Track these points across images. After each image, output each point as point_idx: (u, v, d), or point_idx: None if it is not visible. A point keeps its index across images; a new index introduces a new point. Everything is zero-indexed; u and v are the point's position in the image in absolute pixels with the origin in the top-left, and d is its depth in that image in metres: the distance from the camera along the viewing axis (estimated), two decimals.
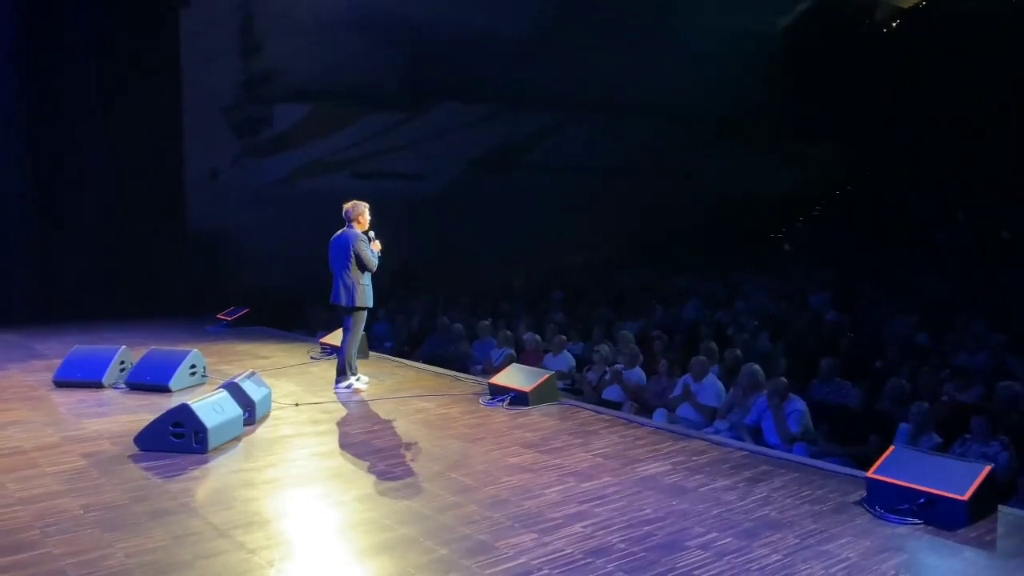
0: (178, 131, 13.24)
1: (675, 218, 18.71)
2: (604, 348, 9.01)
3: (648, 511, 4.38)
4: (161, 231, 12.65)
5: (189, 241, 13.19)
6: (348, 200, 7.24)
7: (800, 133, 19.94)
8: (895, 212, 19.06)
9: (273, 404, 6.62)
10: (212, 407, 5.53)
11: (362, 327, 7.34)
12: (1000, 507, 4.41)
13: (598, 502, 4.51)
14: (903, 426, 6.41)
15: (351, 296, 7.08)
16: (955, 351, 9.29)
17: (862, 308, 12.34)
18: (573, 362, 9.31)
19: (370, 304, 7.22)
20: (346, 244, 7.06)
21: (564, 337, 9.78)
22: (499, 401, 6.85)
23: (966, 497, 4.15)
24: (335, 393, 7.25)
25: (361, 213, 7.17)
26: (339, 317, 7.50)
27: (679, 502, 4.54)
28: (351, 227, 7.13)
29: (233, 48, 14.40)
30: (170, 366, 7.30)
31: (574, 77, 16.86)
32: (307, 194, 14.84)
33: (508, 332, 10.18)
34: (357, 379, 7.36)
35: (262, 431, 6.00)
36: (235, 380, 6.16)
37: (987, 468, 4.33)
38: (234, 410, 5.74)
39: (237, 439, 5.68)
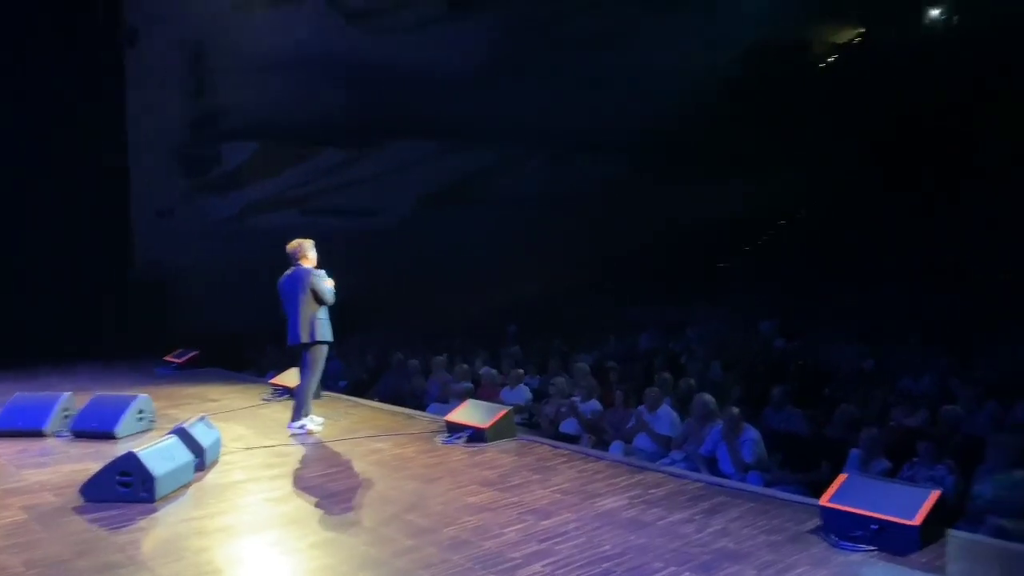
0: (124, 170, 13.04)
1: (625, 249, 18.94)
2: (560, 381, 9.03)
3: (607, 547, 4.38)
4: (107, 272, 12.39)
5: (136, 282, 12.92)
6: (292, 239, 7.19)
7: (745, 164, 20.41)
8: (837, 239, 19.56)
9: (224, 448, 6.48)
10: (160, 454, 5.39)
11: (322, 363, 7.21)
12: (949, 531, 4.50)
13: (558, 539, 4.49)
14: (853, 452, 6.51)
15: (311, 331, 6.97)
16: (900, 375, 9.52)
17: (809, 335, 12.60)
18: (530, 395, 9.31)
19: (329, 338, 7.11)
20: (297, 282, 6.97)
21: (521, 371, 9.78)
22: (456, 439, 6.80)
23: (917, 522, 4.23)
24: (289, 432, 7.13)
25: (307, 251, 7.11)
26: (298, 356, 7.38)
27: (638, 536, 4.54)
28: (300, 265, 7.06)
29: (181, 87, 14.27)
30: (116, 412, 7.10)
31: (522, 112, 17.07)
32: (257, 232, 14.68)
33: (465, 366, 10.14)
34: (311, 420, 7.25)
35: (213, 477, 5.86)
36: (184, 425, 6.02)
37: (936, 493, 4.42)
38: (184, 456, 5.61)
39: (187, 486, 5.53)
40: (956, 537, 4.48)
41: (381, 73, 15.97)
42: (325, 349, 7.17)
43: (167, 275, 13.30)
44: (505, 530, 4.65)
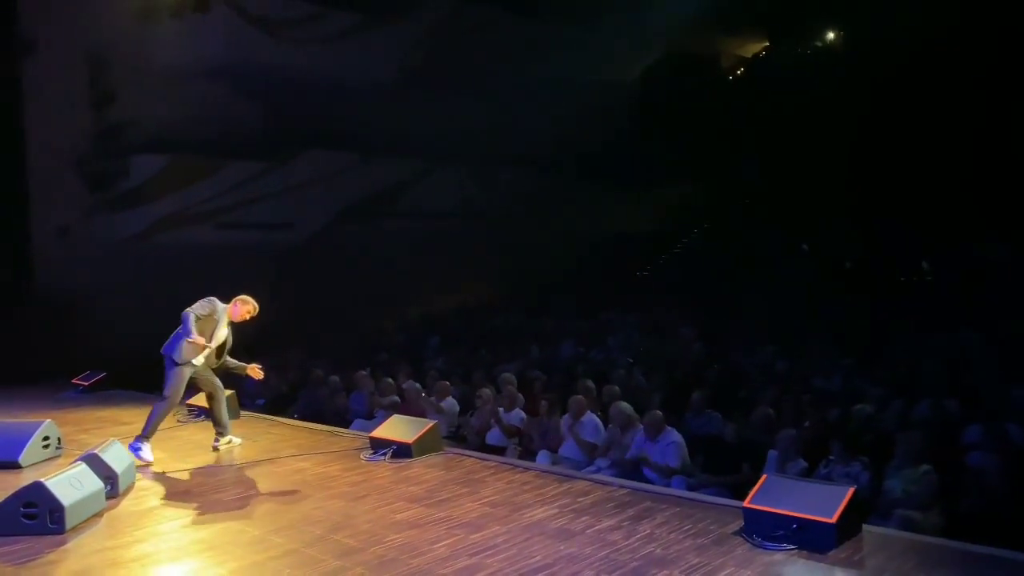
0: (23, 186, 12.44)
1: (542, 260, 19.13)
2: (486, 392, 9.00)
3: (538, 558, 4.38)
4: (6, 292, 11.77)
5: (38, 302, 12.31)
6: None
7: (657, 175, 20.89)
8: (746, 247, 20.20)
9: (138, 474, 6.22)
10: (69, 482, 5.13)
11: (178, 386, 6.87)
12: (864, 526, 4.68)
13: (488, 553, 4.47)
14: (771, 453, 6.71)
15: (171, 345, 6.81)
16: (811, 376, 9.86)
17: (725, 339, 12.93)
18: (457, 408, 9.26)
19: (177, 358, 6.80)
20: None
21: (447, 383, 9.72)
22: (381, 455, 6.71)
23: (834, 520, 4.38)
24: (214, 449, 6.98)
25: (243, 305, 6.98)
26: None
27: (567, 546, 4.56)
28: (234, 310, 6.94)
29: (83, 98, 13.69)
30: (19, 439, 6.72)
31: (437, 125, 17.02)
32: (167, 248, 14.20)
33: (389, 380, 10.02)
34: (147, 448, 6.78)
35: (127, 504, 5.61)
36: (94, 451, 5.74)
37: (851, 490, 4.59)
38: (94, 483, 5.34)
39: (99, 515, 5.28)
40: (871, 532, 4.66)
41: (295, 84, 15.69)
42: (182, 370, 6.85)
43: (72, 294, 12.70)
44: (434, 546, 4.60)
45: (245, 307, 6.98)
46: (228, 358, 7.18)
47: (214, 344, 6.90)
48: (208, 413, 7.47)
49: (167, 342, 6.79)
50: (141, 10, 13.39)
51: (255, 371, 7.23)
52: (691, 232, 24.34)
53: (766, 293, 16.21)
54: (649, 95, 21.21)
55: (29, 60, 12.56)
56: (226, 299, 7.02)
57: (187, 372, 6.82)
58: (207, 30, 14.52)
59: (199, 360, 6.85)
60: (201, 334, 6.69)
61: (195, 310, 6.71)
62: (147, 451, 6.65)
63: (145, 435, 6.69)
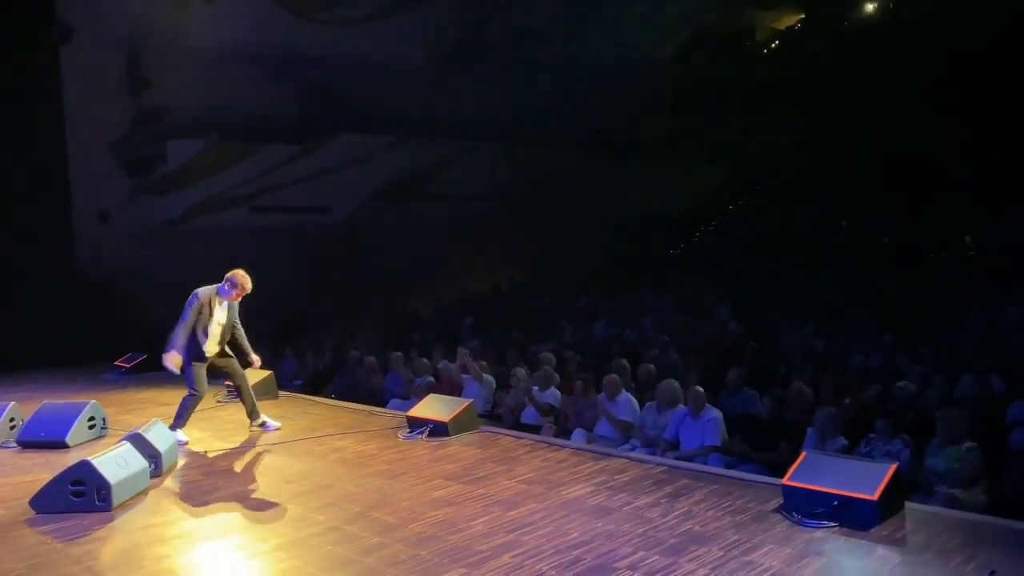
0: (64, 172, 12.65)
1: (575, 240, 19.06)
2: (521, 371, 9.01)
3: (575, 535, 4.39)
4: (49, 276, 12.01)
5: (80, 285, 12.55)
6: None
7: (691, 153, 20.65)
8: (783, 223, 19.93)
9: (181, 452, 6.34)
10: (115, 461, 5.24)
11: (199, 381, 6.94)
12: (907, 503, 4.62)
13: (525, 530, 4.49)
14: (810, 431, 6.64)
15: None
16: (850, 354, 9.73)
17: (762, 318, 12.80)
18: (494, 384, 9.28)
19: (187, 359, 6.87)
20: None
21: (484, 363, 9.74)
22: (418, 434, 6.76)
23: (876, 497, 4.33)
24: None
25: (233, 283, 6.87)
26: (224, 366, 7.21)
27: (604, 523, 4.56)
28: (220, 290, 6.87)
29: (121, 84, 13.86)
30: (66, 420, 6.89)
31: (470, 106, 16.99)
32: (204, 231, 14.36)
33: (424, 361, 10.08)
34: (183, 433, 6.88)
35: (170, 483, 5.73)
36: (138, 431, 5.86)
37: (893, 467, 4.53)
38: (139, 462, 5.46)
39: (144, 493, 5.39)
40: (914, 509, 4.60)
41: (327, 67, 15.73)
42: (191, 368, 6.89)
43: (113, 278, 12.93)
44: (472, 523, 4.63)
45: (236, 289, 6.87)
46: (239, 336, 7.13)
47: (215, 330, 6.91)
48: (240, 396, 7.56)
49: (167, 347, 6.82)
50: None
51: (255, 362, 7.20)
52: (726, 210, 24.08)
53: (803, 270, 16.01)
54: (682, 72, 20.94)
55: (67, 46, 12.72)
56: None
57: (203, 366, 6.92)
58: (240, 14, 14.59)
59: (210, 349, 6.89)
60: (204, 328, 6.81)
61: (189, 318, 6.74)
62: (181, 434, 6.77)
63: (176, 427, 6.80)
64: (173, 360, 6.69)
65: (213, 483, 5.70)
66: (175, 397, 8.76)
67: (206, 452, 6.53)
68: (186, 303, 6.82)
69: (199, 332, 6.82)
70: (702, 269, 18.50)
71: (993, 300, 12.11)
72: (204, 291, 6.86)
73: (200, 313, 6.81)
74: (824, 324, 11.66)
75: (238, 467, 6.13)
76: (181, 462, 6.20)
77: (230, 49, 14.37)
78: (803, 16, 24.31)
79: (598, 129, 18.84)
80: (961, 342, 9.76)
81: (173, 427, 6.72)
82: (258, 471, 6.02)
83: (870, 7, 23.05)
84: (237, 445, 6.79)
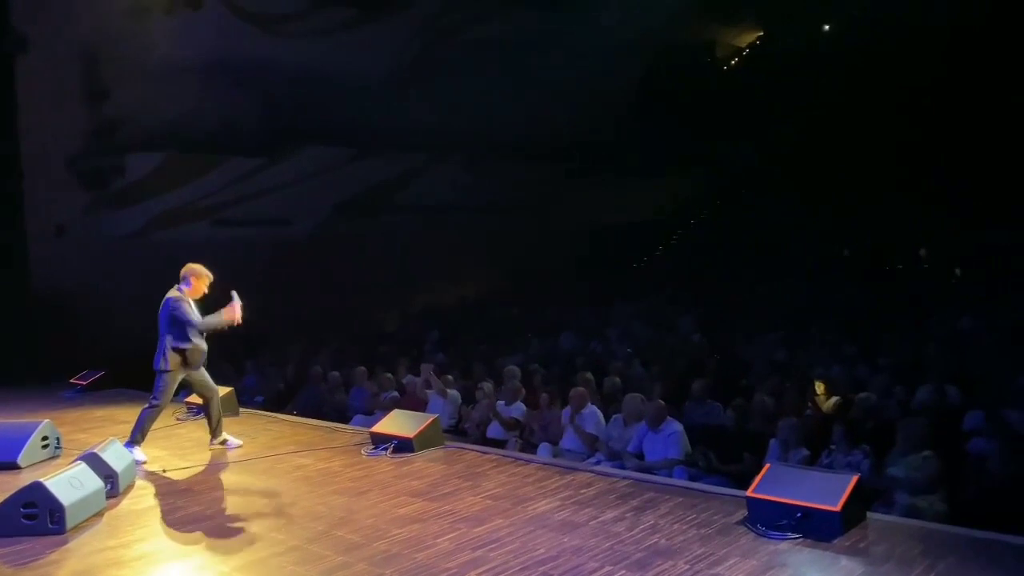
0: (18, 185, 12.37)
1: (542, 252, 19.10)
2: (487, 385, 8.98)
3: (542, 551, 4.36)
4: (4, 292, 11.71)
5: (35, 301, 12.25)
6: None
7: (654, 165, 20.85)
8: (746, 235, 20.19)
9: (138, 472, 6.20)
10: (69, 482, 5.10)
11: (167, 393, 6.80)
12: (868, 514, 4.67)
13: (492, 546, 4.45)
14: (773, 442, 6.70)
15: (163, 359, 6.67)
16: (812, 365, 9.85)
17: (725, 329, 12.92)
18: (459, 400, 9.23)
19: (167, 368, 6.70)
20: (163, 309, 6.67)
21: (450, 377, 9.70)
22: (382, 450, 6.69)
23: (838, 508, 4.37)
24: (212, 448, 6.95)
25: (191, 277, 6.74)
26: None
27: (571, 538, 4.54)
28: (179, 290, 6.72)
29: (78, 96, 13.58)
30: (18, 440, 6.68)
31: (434, 118, 16.96)
32: (164, 245, 14.10)
33: (389, 375, 10.00)
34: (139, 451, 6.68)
35: (127, 503, 5.59)
36: (94, 450, 5.72)
37: (855, 478, 4.58)
38: (94, 483, 5.32)
39: (99, 515, 5.25)
40: (875, 520, 4.65)
41: (290, 80, 15.59)
42: (167, 377, 6.73)
43: (69, 293, 12.64)
44: (437, 540, 4.58)
45: (200, 281, 6.76)
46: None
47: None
48: (205, 412, 7.44)
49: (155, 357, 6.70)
50: (134, 6, 13.28)
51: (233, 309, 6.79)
52: (688, 222, 24.33)
53: (766, 281, 16.21)
54: (646, 86, 21.15)
55: (22, 56, 12.45)
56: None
57: (177, 378, 6.79)
58: (201, 26, 14.40)
59: (202, 347, 6.77)
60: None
61: (194, 319, 6.62)
62: (139, 453, 6.61)
63: (134, 440, 6.65)
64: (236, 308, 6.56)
65: (172, 503, 5.57)
66: (133, 415, 8.55)
67: (164, 471, 6.39)
68: (170, 312, 6.60)
69: (191, 335, 6.68)
70: (666, 280, 18.67)
71: (948, 310, 12.36)
72: (174, 295, 6.70)
73: (191, 308, 6.68)
74: (787, 335, 11.80)
75: (197, 486, 6.00)
76: (138, 482, 6.05)
77: (191, 61, 14.17)
78: (761, 33, 24.74)
79: (561, 141, 18.94)
80: (919, 352, 9.93)
81: (130, 442, 6.57)
82: (218, 490, 5.91)
83: (827, 26, 23.52)
84: (196, 464, 6.65)
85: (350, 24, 16.56)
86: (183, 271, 6.82)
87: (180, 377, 6.84)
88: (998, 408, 7.09)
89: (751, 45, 24.93)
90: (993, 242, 15.43)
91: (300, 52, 15.82)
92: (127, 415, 8.76)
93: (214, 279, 6.86)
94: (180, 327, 6.64)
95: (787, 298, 14.86)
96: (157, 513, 5.36)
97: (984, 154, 17.02)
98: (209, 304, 6.88)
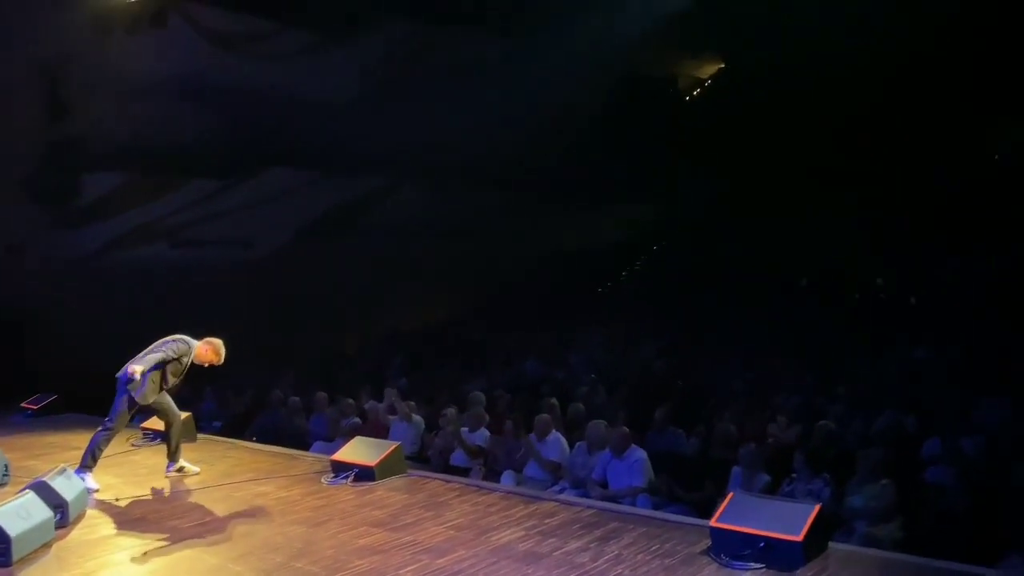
0: None
1: (505, 277, 19.11)
2: (451, 411, 8.91)
3: None
4: None
5: None
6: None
7: (617, 192, 21.06)
8: (707, 263, 20.43)
9: (90, 501, 6.02)
10: (16, 512, 4.92)
11: (123, 416, 6.70)
12: (830, 544, 4.70)
13: None
14: (735, 469, 6.73)
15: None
16: (773, 392, 9.94)
17: (687, 355, 13.01)
18: (422, 427, 9.14)
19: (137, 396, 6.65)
20: (166, 342, 6.66)
21: (412, 403, 9.60)
22: (343, 478, 6.58)
23: (800, 538, 4.39)
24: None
25: (210, 350, 6.72)
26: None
27: (535, 570, 4.50)
28: (189, 344, 6.69)
29: (35, 112, 13.33)
30: None
31: (399, 140, 16.94)
32: (123, 266, 13.84)
33: (350, 401, 9.88)
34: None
35: (77, 534, 5.42)
36: (43, 478, 5.54)
37: (816, 508, 4.61)
38: (43, 512, 5.14)
39: (48, 546, 5.08)
40: (836, 549, 4.68)
41: (254, 101, 15.46)
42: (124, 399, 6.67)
43: (21, 315, 12.32)
44: (399, 572, 4.51)
45: (210, 355, 6.73)
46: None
47: (175, 381, 6.76)
48: (164, 437, 7.28)
49: (124, 368, 6.59)
50: (96, 24, 13.10)
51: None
52: (651, 249, 24.56)
53: (728, 309, 16.37)
54: (609, 113, 21.40)
55: None
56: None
57: (136, 407, 6.67)
58: (164, 46, 14.25)
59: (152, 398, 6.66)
60: (173, 375, 6.65)
61: (167, 352, 6.55)
62: (91, 480, 6.42)
63: (86, 466, 6.47)
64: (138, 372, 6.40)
65: (124, 533, 5.42)
66: (86, 441, 8.36)
67: (117, 500, 6.22)
68: (176, 340, 6.61)
69: (167, 373, 6.61)
70: (629, 307, 18.77)
71: (906, 341, 12.58)
72: (183, 341, 6.66)
73: (178, 362, 6.62)
74: (749, 362, 11.92)
75: (151, 515, 5.84)
76: (90, 511, 5.88)
77: (153, 80, 13.98)
78: (722, 65, 25.20)
79: (524, 167, 19.04)
80: (876, 381, 10.08)
81: (81, 468, 6.39)
82: (173, 520, 5.75)
83: (788, 55, 24.00)
84: (151, 492, 6.49)
85: (315, 47, 16.51)
86: (210, 337, 6.78)
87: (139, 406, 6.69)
88: (955, 436, 7.21)
89: (713, 77, 25.36)
90: (951, 269, 15.80)
91: (264, 74, 15.72)
92: (79, 441, 8.50)
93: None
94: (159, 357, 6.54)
95: (749, 326, 15.01)
96: (109, 544, 5.21)
97: (941, 184, 17.47)
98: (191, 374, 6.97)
